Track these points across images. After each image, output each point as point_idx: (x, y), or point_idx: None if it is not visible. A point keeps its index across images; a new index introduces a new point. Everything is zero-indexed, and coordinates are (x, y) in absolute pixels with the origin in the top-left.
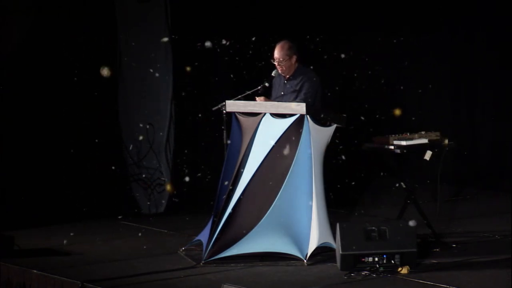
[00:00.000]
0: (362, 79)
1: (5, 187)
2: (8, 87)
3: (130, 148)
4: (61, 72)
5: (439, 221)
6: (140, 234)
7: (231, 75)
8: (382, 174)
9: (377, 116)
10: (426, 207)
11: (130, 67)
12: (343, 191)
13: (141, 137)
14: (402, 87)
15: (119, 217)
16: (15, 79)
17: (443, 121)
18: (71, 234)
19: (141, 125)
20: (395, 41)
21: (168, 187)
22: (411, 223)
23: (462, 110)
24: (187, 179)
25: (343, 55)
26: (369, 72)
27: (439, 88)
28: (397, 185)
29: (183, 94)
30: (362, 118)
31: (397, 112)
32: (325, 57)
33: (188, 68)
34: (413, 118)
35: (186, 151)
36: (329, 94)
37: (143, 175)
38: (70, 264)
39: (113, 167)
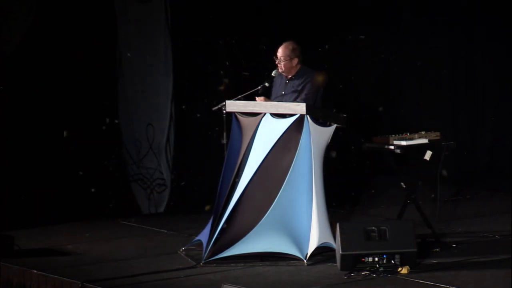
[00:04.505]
0: (361, 77)
1: (5, 187)
2: (8, 87)
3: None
4: (61, 72)
5: (439, 221)
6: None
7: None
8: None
9: (377, 115)
10: (426, 207)
11: (130, 67)
12: (343, 191)
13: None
14: (402, 87)
15: (119, 218)
16: (15, 79)
17: (443, 121)
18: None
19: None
20: (395, 40)
21: None
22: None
23: (462, 110)
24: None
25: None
26: (369, 71)
27: (439, 88)
28: (402, 184)
29: (183, 94)
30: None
31: None
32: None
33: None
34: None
35: (185, 151)
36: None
37: (143, 175)
38: (70, 264)
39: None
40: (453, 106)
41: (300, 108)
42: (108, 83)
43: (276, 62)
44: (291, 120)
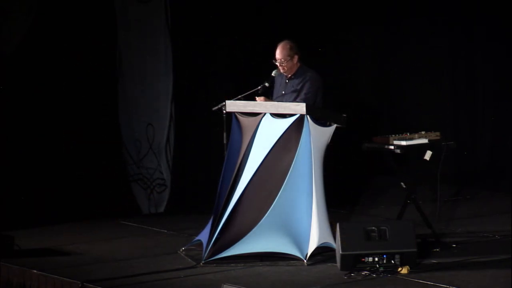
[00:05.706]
0: (361, 77)
1: (5, 187)
2: (8, 87)
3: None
4: (61, 72)
5: (439, 221)
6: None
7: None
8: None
9: (377, 115)
10: (426, 207)
11: (130, 67)
12: (343, 191)
13: None
14: (402, 87)
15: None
16: (15, 79)
17: (443, 121)
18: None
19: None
20: (395, 40)
21: None
22: None
23: (462, 110)
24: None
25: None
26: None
27: (439, 88)
28: (402, 184)
29: (183, 94)
30: None
31: None
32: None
33: None
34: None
35: (185, 151)
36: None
37: (143, 175)
38: (70, 264)
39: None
40: (453, 106)
41: (300, 108)
42: (108, 83)
43: (278, 64)
44: (291, 120)
